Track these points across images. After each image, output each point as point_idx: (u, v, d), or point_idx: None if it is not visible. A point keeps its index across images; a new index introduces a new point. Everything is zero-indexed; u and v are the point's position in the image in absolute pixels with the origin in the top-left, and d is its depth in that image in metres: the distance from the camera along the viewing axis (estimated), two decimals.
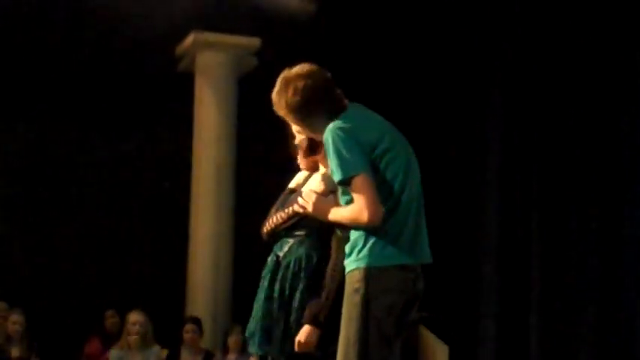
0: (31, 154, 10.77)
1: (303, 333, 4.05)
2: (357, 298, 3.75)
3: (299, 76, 3.96)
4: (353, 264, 3.80)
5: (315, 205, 3.96)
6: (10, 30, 10.01)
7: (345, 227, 3.95)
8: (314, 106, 3.91)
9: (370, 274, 3.75)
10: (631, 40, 8.41)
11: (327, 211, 3.93)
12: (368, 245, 3.77)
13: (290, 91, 3.93)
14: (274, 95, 4.00)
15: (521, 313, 8.97)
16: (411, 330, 4.10)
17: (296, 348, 4.06)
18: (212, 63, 10.49)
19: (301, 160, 4.39)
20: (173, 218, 10.71)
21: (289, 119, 4.03)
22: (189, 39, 10.40)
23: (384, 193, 3.78)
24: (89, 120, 10.78)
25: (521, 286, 9.01)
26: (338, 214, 3.90)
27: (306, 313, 4.07)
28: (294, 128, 4.21)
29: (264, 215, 4.51)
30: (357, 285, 3.76)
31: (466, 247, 9.65)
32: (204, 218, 10.28)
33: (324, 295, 4.06)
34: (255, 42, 10.46)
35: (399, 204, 3.81)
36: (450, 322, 9.35)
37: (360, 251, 3.78)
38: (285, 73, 4.00)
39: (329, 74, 3.99)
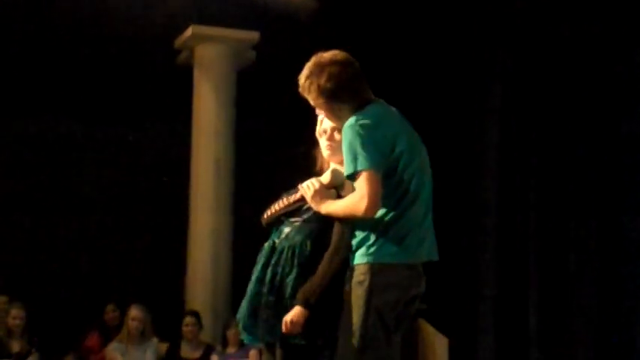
0: (30, 147, 10.77)
1: (293, 313, 4.06)
2: (361, 291, 3.81)
3: (334, 62, 3.96)
4: (362, 258, 3.85)
5: (315, 193, 4.03)
6: (8, 23, 10.00)
7: (341, 220, 3.99)
8: (345, 94, 3.92)
9: (375, 269, 3.81)
10: (631, 39, 8.40)
11: (324, 203, 4.00)
12: (379, 242, 3.83)
13: (324, 77, 3.91)
14: (303, 79, 3.97)
15: (519, 305, 8.98)
16: (411, 322, 4.11)
17: (283, 328, 4.06)
18: (211, 56, 10.48)
19: (326, 146, 4.28)
20: (172, 212, 10.72)
21: (317, 104, 4.01)
22: (188, 32, 10.40)
23: (399, 192, 3.84)
24: (87, 114, 10.79)
25: (519, 280, 9.02)
26: (334, 205, 3.97)
27: (299, 294, 4.09)
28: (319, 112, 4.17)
29: (263, 208, 4.52)
30: (361, 277, 3.83)
31: (465, 240, 9.66)
32: (203, 212, 10.28)
33: (317, 278, 4.07)
34: (254, 35, 10.45)
35: (413, 204, 3.87)
36: (449, 314, 9.36)
37: (370, 247, 3.84)
38: (318, 58, 3.99)
39: (358, 64, 4.00)
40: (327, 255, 4.10)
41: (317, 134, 4.31)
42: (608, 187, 8.50)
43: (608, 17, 8.51)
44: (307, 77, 3.96)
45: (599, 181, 8.57)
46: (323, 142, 4.27)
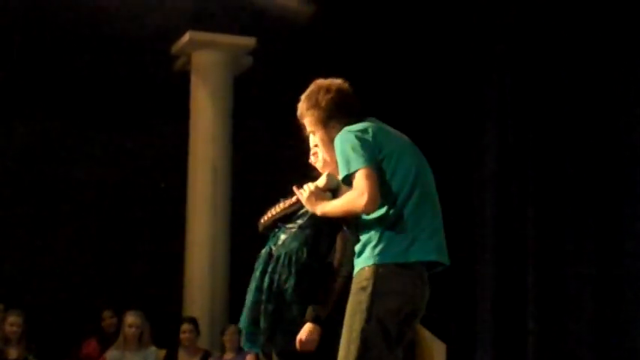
0: (27, 153, 10.76)
1: (305, 331, 4.07)
2: (364, 296, 3.77)
3: (331, 81, 4.16)
4: (367, 260, 3.82)
5: (310, 194, 4.05)
6: (7, 29, 10.00)
7: (345, 222, 4.03)
8: (341, 107, 4.08)
9: (379, 274, 3.77)
10: (630, 39, 8.40)
11: (319, 204, 4.01)
12: (383, 243, 3.80)
13: (323, 91, 4.11)
14: (302, 104, 4.16)
15: (518, 310, 8.97)
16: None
17: (297, 346, 4.07)
18: (208, 62, 10.49)
19: (313, 163, 4.36)
20: (169, 218, 10.71)
21: (313, 119, 4.12)
22: (185, 38, 10.40)
23: (394, 191, 3.84)
24: (85, 119, 10.78)
25: (518, 284, 9.01)
26: (332, 204, 3.98)
27: (308, 311, 4.10)
28: (312, 141, 4.27)
29: (260, 215, 4.53)
30: (364, 283, 3.79)
31: (463, 246, 9.64)
32: (200, 218, 10.28)
33: (327, 294, 4.08)
34: (250, 41, 10.46)
35: (410, 202, 3.85)
36: (447, 321, 9.35)
37: (373, 248, 3.81)
38: (316, 85, 4.18)
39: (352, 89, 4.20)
40: (334, 270, 4.11)
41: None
42: (607, 188, 8.49)
43: (607, 19, 8.51)
44: (305, 102, 4.14)
45: (599, 182, 8.56)
46: (312, 160, 4.33)
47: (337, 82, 4.16)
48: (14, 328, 8.56)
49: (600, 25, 8.55)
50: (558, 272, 8.75)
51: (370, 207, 3.77)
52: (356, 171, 3.79)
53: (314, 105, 4.09)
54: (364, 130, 3.89)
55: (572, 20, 8.79)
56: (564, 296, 8.68)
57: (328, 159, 4.17)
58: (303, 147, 4.44)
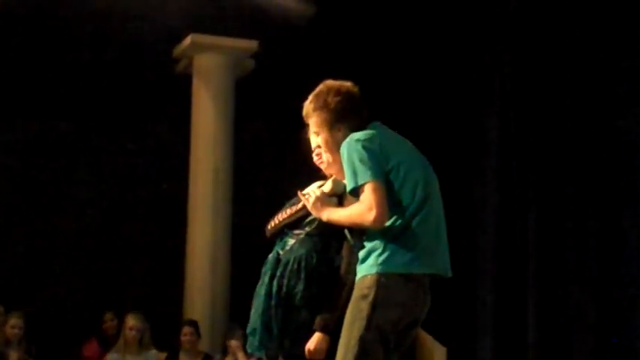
0: (27, 154, 10.76)
1: (314, 341, 4.08)
2: (365, 304, 3.77)
3: (341, 84, 4.11)
4: (370, 268, 3.81)
5: (315, 199, 4.03)
6: (9, 31, 10.01)
7: (350, 229, 4.01)
8: (348, 111, 4.03)
9: (381, 283, 3.76)
10: (630, 38, 8.41)
11: (325, 210, 4.00)
12: (387, 252, 3.79)
13: (332, 93, 4.05)
14: (309, 104, 4.10)
15: (518, 314, 8.96)
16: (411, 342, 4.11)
17: (307, 355, 4.08)
18: (210, 65, 10.48)
19: (317, 163, 4.34)
20: (170, 220, 10.71)
21: (319, 120, 4.07)
22: (187, 41, 10.40)
23: (402, 202, 3.82)
24: (87, 122, 10.78)
25: (518, 287, 9.01)
26: (338, 213, 3.96)
27: (317, 320, 4.11)
28: (314, 142, 4.22)
29: (262, 217, 4.52)
30: (366, 291, 3.78)
31: (463, 247, 9.65)
32: (201, 220, 10.27)
33: (334, 304, 4.09)
34: (252, 44, 10.45)
35: (418, 214, 3.84)
36: (447, 321, 9.35)
37: (378, 256, 3.80)
38: (325, 86, 4.13)
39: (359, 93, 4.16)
40: (340, 279, 4.11)
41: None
42: (607, 187, 8.50)
43: (608, 18, 8.52)
44: (313, 102, 4.09)
45: (599, 181, 8.57)
46: (316, 160, 4.29)
47: (347, 84, 4.11)
48: (15, 331, 8.56)
49: (601, 24, 8.56)
50: (559, 274, 8.76)
51: (379, 223, 3.75)
52: (364, 184, 3.77)
53: (322, 106, 4.05)
54: (371, 139, 3.85)
55: (572, 20, 8.80)
56: (565, 298, 8.68)
57: (331, 161, 4.14)
58: (304, 149, 4.44)
